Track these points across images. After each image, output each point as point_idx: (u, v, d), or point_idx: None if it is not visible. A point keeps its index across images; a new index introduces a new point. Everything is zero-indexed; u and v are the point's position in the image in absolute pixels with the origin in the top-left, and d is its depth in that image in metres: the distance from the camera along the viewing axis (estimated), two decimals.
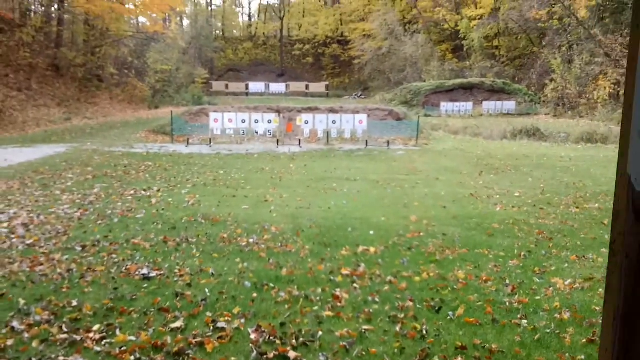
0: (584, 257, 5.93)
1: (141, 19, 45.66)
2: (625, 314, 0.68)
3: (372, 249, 6.06)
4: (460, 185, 10.95)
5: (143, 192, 9.57)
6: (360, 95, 47.46)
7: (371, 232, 6.89)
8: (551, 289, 4.87)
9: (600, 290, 4.83)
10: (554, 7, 35.06)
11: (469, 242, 6.54)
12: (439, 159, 15.39)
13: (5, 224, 6.92)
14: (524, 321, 4.11)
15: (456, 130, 24.76)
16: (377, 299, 4.52)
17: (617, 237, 0.74)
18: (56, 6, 31.08)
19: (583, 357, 3.56)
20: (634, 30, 0.71)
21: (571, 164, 14.31)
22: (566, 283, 5.01)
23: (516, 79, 40.48)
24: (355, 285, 4.88)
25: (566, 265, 5.66)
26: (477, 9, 47.09)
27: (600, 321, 3.97)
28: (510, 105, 33.89)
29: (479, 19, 45.37)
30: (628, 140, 0.70)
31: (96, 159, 13.91)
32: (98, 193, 9.37)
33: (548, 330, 3.95)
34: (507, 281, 5.06)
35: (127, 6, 37.13)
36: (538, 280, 5.11)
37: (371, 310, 4.25)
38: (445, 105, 33.90)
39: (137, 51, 39.33)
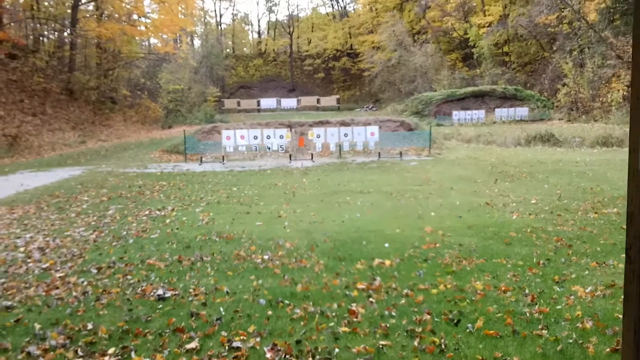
0: (604, 263, 5.81)
1: (152, 40, 46.34)
2: None
3: (388, 262, 6.00)
4: (475, 194, 10.84)
5: (157, 212, 9.60)
6: (372, 107, 47.53)
7: (386, 245, 6.82)
8: (572, 297, 4.76)
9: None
10: (563, 12, 34.93)
11: (486, 251, 6.45)
12: (453, 168, 15.27)
13: (22, 249, 6.97)
14: (545, 332, 4.01)
15: (469, 138, 24.60)
16: (393, 313, 4.45)
17: (632, 242, 0.69)
18: (68, 31, 31.61)
19: None
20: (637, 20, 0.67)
21: (587, 169, 14.12)
22: (587, 291, 4.90)
23: (528, 85, 40.26)
24: (371, 299, 4.81)
25: (586, 272, 5.54)
26: (485, 16, 47.11)
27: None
28: (523, 111, 33.68)
29: (488, 26, 45.36)
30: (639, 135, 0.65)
31: (111, 180, 14.02)
32: (113, 214, 9.42)
33: (570, 341, 3.85)
34: (527, 291, 4.97)
35: (138, 28, 37.70)
36: (558, 289, 5.01)
37: (388, 325, 4.19)
38: (457, 114, 33.79)
39: (149, 72, 39.89)
